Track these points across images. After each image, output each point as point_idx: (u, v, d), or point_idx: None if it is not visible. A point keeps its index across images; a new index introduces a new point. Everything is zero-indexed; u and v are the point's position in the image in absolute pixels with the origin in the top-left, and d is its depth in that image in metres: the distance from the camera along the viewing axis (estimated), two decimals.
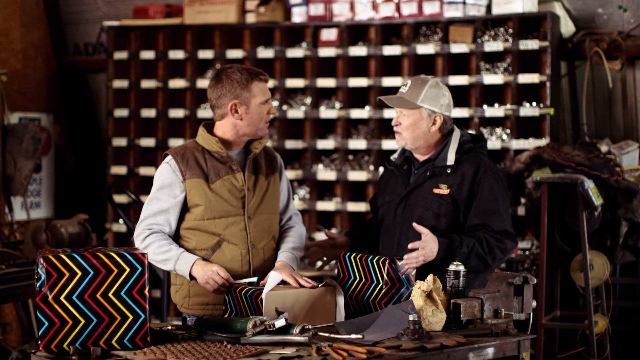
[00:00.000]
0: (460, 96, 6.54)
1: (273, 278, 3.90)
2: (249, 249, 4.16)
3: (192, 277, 4.06)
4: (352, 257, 4.16)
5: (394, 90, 6.60)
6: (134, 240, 4.23)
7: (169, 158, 4.21)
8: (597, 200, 5.55)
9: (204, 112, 7.04)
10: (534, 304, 3.80)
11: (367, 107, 6.65)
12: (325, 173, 6.72)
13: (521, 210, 6.14)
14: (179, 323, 3.88)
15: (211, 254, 4.11)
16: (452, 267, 3.83)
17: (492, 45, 6.28)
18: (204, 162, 4.18)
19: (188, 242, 4.15)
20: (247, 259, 4.15)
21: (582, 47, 6.35)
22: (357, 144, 6.65)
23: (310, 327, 3.51)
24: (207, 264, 4.06)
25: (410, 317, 3.48)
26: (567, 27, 6.44)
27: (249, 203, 4.21)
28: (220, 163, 4.19)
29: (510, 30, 6.28)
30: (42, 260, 3.34)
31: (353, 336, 3.48)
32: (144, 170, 7.20)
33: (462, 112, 6.37)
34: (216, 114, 4.25)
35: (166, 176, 4.18)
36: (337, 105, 6.75)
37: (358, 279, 4.10)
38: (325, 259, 4.49)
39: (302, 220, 4.49)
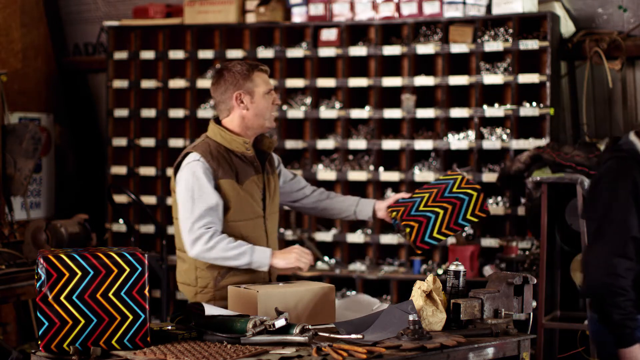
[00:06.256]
0: (460, 96, 6.55)
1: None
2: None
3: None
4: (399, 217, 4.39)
5: (394, 90, 6.62)
6: (186, 239, 4.18)
7: (197, 156, 4.15)
8: None
9: (204, 112, 7.04)
10: (534, 304, 3.80)
11: (367, 107, 6.65)
12: (325, 173, 6.72)
13: (521, 210, 6.14)
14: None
15: None
16: (452, 267, 3.83)
17: (492, 45, 6.28)
18: (231, 162, 4.18)
19: None
20: None
21: (582, 47, 6.35)
22: (357, 144, 6.65)
23: (310, 327, 3.51)
24: (285, 249, 4.14)
25: (410, 317, 3.48)
26: (567, 27, 6.44)
27: (267, 204, 4.23)
28: (244, 163, 4.20)
29: (510, 30, 6.28)
30: (42, 260, 3.34)
31: (353, 336, 3.48)
32: (144, 170, 7.20)
33: (462, 112, 6.37)
34: (222, 110, 4.26)
35: (202, 172, 4.13)
36: (337, 105, 6.75)
37: (440, 215, 4.26)
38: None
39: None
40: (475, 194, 4.40)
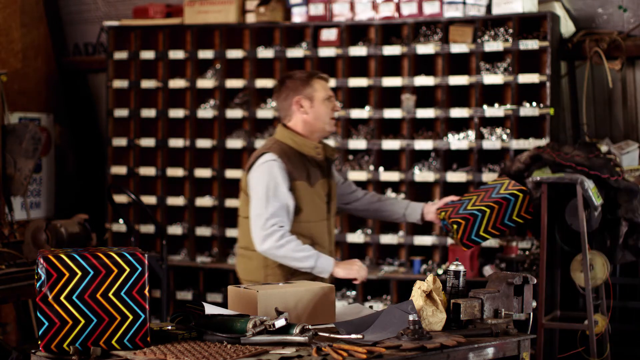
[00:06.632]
0: (460, 96, 6.55)
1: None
2: (330, 251, 4.50)
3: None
4: (448, 218, 4.54)
5: (394, 90, 6.63)
6: (257, 234, 4.39)
7: (274, 156, 4.39)
8: (597, 200, 5.54)
9: (204, 112, 7.03)
10: (534, 304, 3.80)
11: (367, 107, 6.65)
12: None
13: None
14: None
15: None
16: (452, 267, 3.83)
17: (492, 45, 6.28)
18: (303, 165, 4.36)
19: None
20: None
21: (582, 47, 6.35)
22: (357, 144, 6.65)
23: (310, 327, 3.51)
24: (346, 261, 4.43)
25: (410, 317, 3.48)
26: (567, 27, 6.44)
27: (331, 207, 4.50)
28: (314, 167, 4.39)
29: (510, 30, 6.28)
30: (42, 260, 3.34)
31: (353, 336, 3.47)
32: (144, 170, 7.20)
33: (462, 112, 6.37)
34: (284, 116, 4.52)
35: (279, 173, 4.38)
36: (337, 105, 6.74)
37: (487, 214, 4.25)
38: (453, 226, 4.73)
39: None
40: (521, 195, 4.59)
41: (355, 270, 4.40)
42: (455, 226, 4.57)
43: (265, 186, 4.34)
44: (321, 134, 4.54)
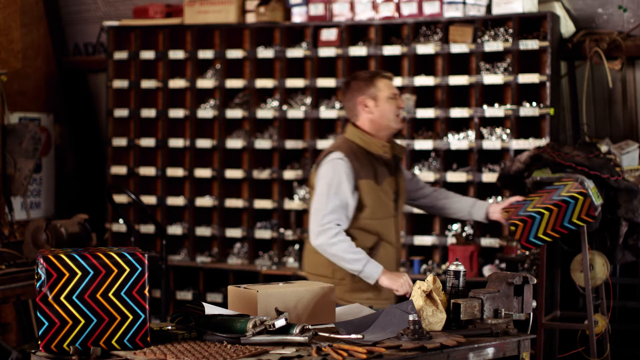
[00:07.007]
0: (460, 96, 6.55)
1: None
2: (397, 248, 4.59)
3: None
4: (513, 219, 4.62)
5: None
6: (313, 228, 4.47)
7: (341, 155, 4.51)
8: (597, 200, 5.54)
9: (204, 112, 7.03)
10: (534, 304, 3.80)
11: None
12: None
13: None
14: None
15: (373, 253, 4.48)
16: (452, 267, 3.83)
17: (492, 45, 6.28)
18: (370, 164, 4.41)
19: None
20: (397, 257, 4.60)
21: (582, 47, 6.35)
22: None
23: (310, 327, 3.51)
24: (394, 273, 4.47)
25: (410, 317, 3.48)
26: (567, 27, 6.44)
27: (399, 204, 4.58)
28: (381, 165, 4.47)
29: (510, 30, 6.28)
30: (42, 260, 3.34)
31: (353, 336, 3.47)
32: (143, 170, 7.20)
33: (462, 112, 6.37)
34: (352, 116, 4.61)
35: (344, 172, 4.45)
36: (337, 105, 6.74)
37: (545, 216, 4.43)
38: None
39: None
40: (581, 198, 4.65)
41: (400, 283, 4.45)
42: (513, 227, 4.67)
43: (328, 183, 4.45)
44: (388, 131, 4.61)
